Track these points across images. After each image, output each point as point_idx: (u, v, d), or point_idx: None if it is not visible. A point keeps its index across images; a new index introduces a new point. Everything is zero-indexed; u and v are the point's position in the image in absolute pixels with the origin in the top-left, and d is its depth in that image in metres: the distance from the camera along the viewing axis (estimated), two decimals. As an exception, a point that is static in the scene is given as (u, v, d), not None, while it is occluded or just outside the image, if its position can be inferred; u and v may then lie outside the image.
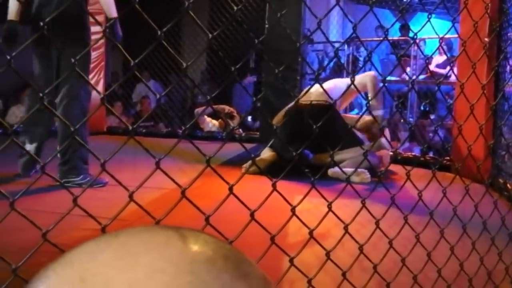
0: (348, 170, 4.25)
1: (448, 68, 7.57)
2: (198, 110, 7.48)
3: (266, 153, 4.68)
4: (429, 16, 1.70)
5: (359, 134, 4.87)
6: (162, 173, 1.17)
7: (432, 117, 7.42)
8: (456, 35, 5.53)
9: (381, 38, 7.05)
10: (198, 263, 0.39)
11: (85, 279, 0.37)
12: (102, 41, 6.25)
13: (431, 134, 6.87)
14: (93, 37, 6.49)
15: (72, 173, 3.92)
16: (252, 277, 0.41)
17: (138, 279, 0.37)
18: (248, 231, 1.33)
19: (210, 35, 1.11)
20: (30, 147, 4.06)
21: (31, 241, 1.04)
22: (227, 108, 7.33)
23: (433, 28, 1.82)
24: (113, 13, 4.08)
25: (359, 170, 4.26)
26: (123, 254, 0.38)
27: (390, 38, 1.49)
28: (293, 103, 4.77)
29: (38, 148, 4.09)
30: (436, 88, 1.77)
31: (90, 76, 6.46)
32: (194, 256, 0.39)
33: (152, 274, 0.37)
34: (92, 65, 6.57)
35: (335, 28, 9.44)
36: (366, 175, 4.50)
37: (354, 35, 1.47)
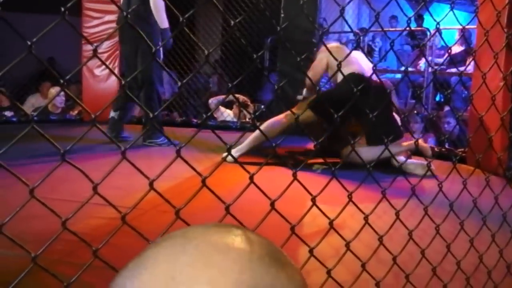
0: (410, 161, 4.24)
1: (471, 67, 7.52)
2: (213, 100, 7.46)
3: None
4: (452, 6, 1.67)
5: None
6: (176, 162, 1.16)
7: (446, 108, 7.34)
8: (472, 26, 5.49)
9: (397, 29, 6.96)
10: (255, 261, 0.50)
11: (175, 277, 0.47)
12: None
13: (446, 125, 6.81)
14: (108, 26, 6.55)
15: (155, 135, 4.85)
16: (288, 266, 0.53)
17: (214, 276, 0.47)
18: (265, 220, 1.32)
19: (232, 22, 1.10)
20: (113, 113, 5.26)
21: (47, 229, 1.04)
22: (241, 97, 7.30)
23: (456, 18, 1.79)
24: (164, 24, 4.95)
25: (418, 162, 4.24)
26: (199, 257, 0.49)
27: (407, 28, 1.49)
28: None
29: (121, 115, 5.23)
30: (458, 78, 1.75)
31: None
32: (250, 255, 0.50)
33: (224, 272, 0.48)
34: (106, 54, 6.60)
35: (351, 18, 9.39)
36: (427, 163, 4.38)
37: (375, 24, 1.45)
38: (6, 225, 0.97)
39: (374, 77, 4.14)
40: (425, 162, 4.08)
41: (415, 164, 4.28)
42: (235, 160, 1.34)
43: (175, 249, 0.50)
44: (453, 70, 7.60)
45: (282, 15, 6.46)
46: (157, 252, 0.51)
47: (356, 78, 4.26)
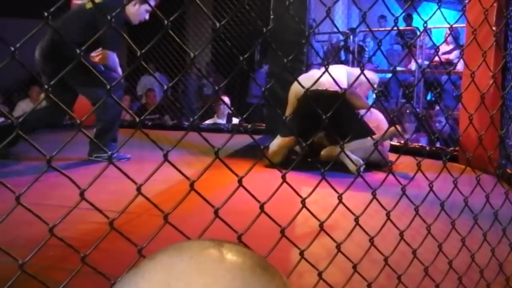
0: (355, 157, 4.22)
1: (455, 56, 7.55)
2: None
3: (276, 143, 4.67)
4: (439, 5, 1.68)
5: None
6: (168, 165, 1.16)
7: (437, 107, 7.37)
8: (461, 25, 5.51)
9: (386, 28, 6.96)
10: (246, 271, 0.53)
11: (171, 284, 0.50)
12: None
13: (437, 124, 6.83)
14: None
15: (102, 149, 4.23)
16: (277, 277, 0.56)
17: (208, 283, 0.50)
18: (256, 222, 1.32)
19: (218, 24, 1.09)
20: None
21: (38, 235, 1.03)
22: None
23: (444, 17, 1.80)
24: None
25: (355, 158, 4.19)
26: (194, 266, 0.52)
27: (395, 28, 1.51)
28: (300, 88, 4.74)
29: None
30: (447, 77, 1.75)
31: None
32: (242, 265, 0.54)
33: (217, 279, 0.51)
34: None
35: (341, 19, 9.40)
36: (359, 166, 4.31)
37: (362, 24, 1.45)
38: (-4, 232, 0.96)
39: (328, 86, 4.16)
40: (362, 162, 4.08)
41: (352, 158, 4.26)
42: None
43: (171, 259, 0.53)
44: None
45: (272, 16, 6.46)
46: (154, 262, 0.54)
47: (307, 96, 4.33)
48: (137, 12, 4.60)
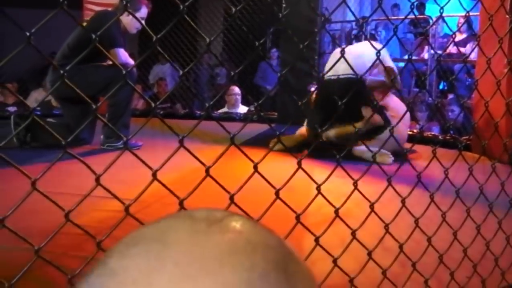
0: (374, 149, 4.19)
1: (469, 45, 7.48)
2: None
3: (298, 131, 4.71)
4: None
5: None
6: (180, 154, 1.16)
7: (450, 96, 7.31)
8: (475, 13, 5.46)
9: (399, 17, 6.90)
10: (254, 283, 0.37)
11: None
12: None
13: (450, 113, 6.78)
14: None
15: (115, 137, 4.48)
16: (299, 277, 0.41)
17: None
18: (270, 209, 1.32)
19: (233, 9, 1.09)
20: None
21: (53, 223, 1.03)
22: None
23: (461, 4, 1.78)
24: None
25: (382, 151, 4.17)
26: (180, 279, 0.36)
27: (410, 16, 1.51)
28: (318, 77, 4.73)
29: None
30: (461, 66, 1.74)
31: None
32: (249, 274, 0.38)
33: None
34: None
35: (353, 7, 9.34)
36: (389, 157, 4.34)
37: (377, 12, 1.43)
38: (11, 220, 0.96)
39: (342, 72, 4.14)
40: (386, 152, 4.08)
41: (362, 150, 4.24)
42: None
43: (148, 264, 0.37)
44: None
45: (284, 4, 6.44)
46: (126, 266, 0.38)
47: (321, 86, 4.39)
48: (131, 22, 4.71)
